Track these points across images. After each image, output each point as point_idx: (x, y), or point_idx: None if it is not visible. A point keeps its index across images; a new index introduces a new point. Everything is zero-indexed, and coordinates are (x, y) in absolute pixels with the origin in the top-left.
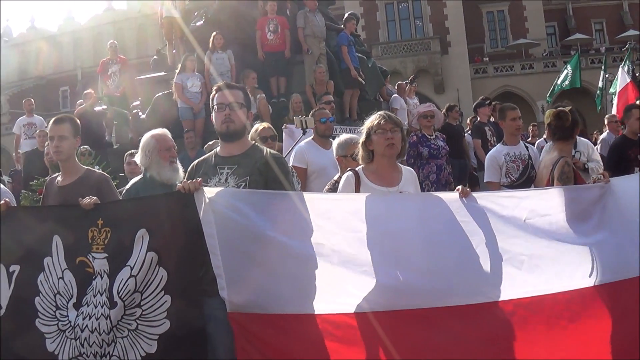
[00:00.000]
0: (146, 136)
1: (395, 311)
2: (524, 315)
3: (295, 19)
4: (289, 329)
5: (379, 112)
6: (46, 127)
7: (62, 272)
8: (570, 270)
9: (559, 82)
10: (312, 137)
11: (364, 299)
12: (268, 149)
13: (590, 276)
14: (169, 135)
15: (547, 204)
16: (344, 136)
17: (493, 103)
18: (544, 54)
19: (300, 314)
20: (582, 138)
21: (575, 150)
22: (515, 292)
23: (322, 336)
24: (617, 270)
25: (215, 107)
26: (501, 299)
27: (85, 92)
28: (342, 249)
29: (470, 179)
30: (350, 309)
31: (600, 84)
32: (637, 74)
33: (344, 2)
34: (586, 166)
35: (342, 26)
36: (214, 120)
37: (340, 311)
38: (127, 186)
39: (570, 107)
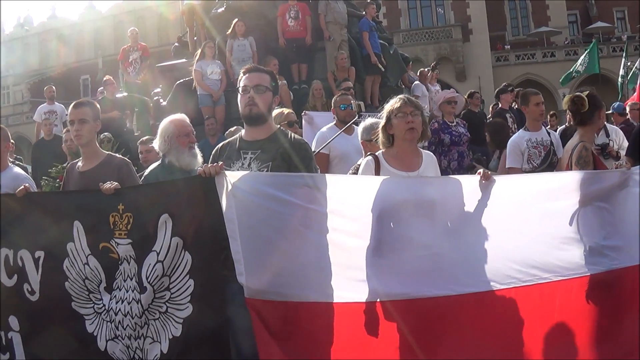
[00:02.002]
0: (164, 121)
1: (413, 300)
2: (540, 302)
3: (316, 6)
4: (307, 317)
5: (399, 96)
6: (67, 114)
7: (87, 257)
8: (587, 255)
9: (576, 68)
10: (334, 123)
11: (382, 287)
12: (292, 134)
13: (606, 261)
14: (187, 120)
15: (567, 188)
16: (369, 120)
17: (515, 89)
18: (566, 42)
19: (319, 302)
20: (611, 125)
21: (608, 139)
22: (533, 278)
23: (340, 324)
24: (634, 255)
25: (240, 89)
26: (519, 285)
27: (104, 79)
28: (362, 235)
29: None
30: (369, 297)
31: (622, 72)
32: None
33: None
34: (619, 154)
35: (363, 12)
36: (239, 103)
37: (359, 300)
38: (146, 172)
39: (588, 92)
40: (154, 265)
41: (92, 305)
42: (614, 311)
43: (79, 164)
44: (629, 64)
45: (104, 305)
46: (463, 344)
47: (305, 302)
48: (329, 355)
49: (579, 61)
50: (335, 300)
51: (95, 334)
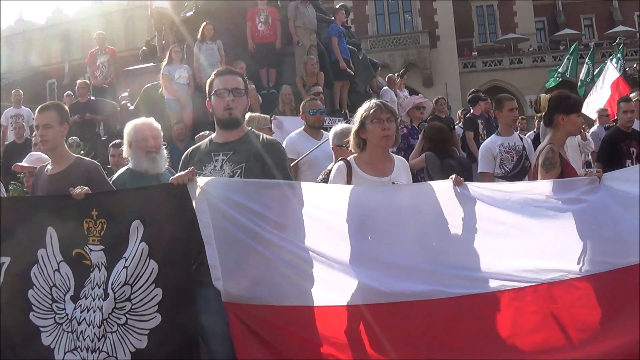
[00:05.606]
0: (128, 126)
1: (390, 304)
2: (518, 305)
3: (286, 10)
4: (286, 320)
5: (374, 101)
6: (33, 118)
7: (58, 264)
8: (563, 259)
9: (560, 70)
10: (303, 128)
11: (359, 291)
12: (264, 135)
13: (584, 265)
14: (153, 124)
15: (539, 195)
16: (340, 126)
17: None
18: (530, 49)
19: (298, 305)
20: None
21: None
22: (509, 283)
23: (319, 327)
24: (613, 258)
25: (216, 92)
26: (495, 290)
27: (78, 81)
28: (337, 240)
29: None
30: (347, 300)
31: (582, 76)
32: (627, 69)
33: None
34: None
35: (332, 18)
36: (212, 106)
37: (337, 303)
38: (114, 177)
39: (552, 94)
40: (120, 272)
41: (53, 315)
42: (608, 312)
43: (48, 167)
44: (596, 72)
45: (67, 314)
46: (445, 346)
47: (284, 306)
48: (307, 357)
49: (563, 63)
50: (314, 304)
51: (52, 346)
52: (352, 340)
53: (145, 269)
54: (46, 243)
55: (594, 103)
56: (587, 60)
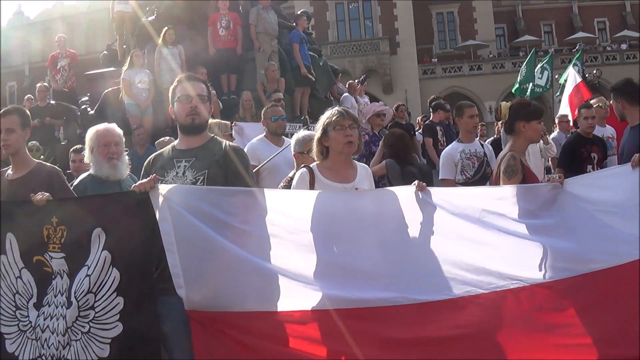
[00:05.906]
0: (90, 131)
1: (355, 309)
2: (485, 309)
3: (247, 16)
4: (250, 327)
5: (336, 108)
6: None
7: (20, 271)
8: (526, 266)
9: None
10: (264, 134)
11: (323, 297)
12: (227, 142)
13: (545, 272)
14: (115, 130)
15: (501, 201)
16: (301, 133)
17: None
18: (489, 55)
19: (261, 311)
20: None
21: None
22: (470, 289)
23: (283, 333)
24: (574, 265)
25: (179, 98)
26: (460, 296)
27: (38, 84)
28: (301, 246)
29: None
30: (310, 306)
31: (539, 82)
32: (586, 75)
33: (294, 2)
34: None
35: (294, 24)
36: (175, 112)
37: (301, 308)
38: (75, 182)
39: (513, 102)
40: (82, 280)
41: (17, 322)
42: (575, 319)
43: (9, 171)
44: (556, 76)
45: (30, 322)
46: (410, 351)
47: (247, 312)
48: None
49: (523, 73)
50: (277, 310)
51: (16, 353)
52: (314, 344)
53: (108, 277)
54: (6, 249)
55: (564, 110)
56: (545, 65)
